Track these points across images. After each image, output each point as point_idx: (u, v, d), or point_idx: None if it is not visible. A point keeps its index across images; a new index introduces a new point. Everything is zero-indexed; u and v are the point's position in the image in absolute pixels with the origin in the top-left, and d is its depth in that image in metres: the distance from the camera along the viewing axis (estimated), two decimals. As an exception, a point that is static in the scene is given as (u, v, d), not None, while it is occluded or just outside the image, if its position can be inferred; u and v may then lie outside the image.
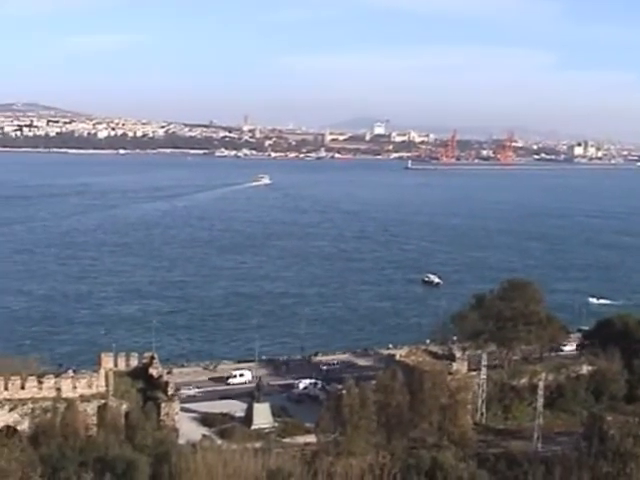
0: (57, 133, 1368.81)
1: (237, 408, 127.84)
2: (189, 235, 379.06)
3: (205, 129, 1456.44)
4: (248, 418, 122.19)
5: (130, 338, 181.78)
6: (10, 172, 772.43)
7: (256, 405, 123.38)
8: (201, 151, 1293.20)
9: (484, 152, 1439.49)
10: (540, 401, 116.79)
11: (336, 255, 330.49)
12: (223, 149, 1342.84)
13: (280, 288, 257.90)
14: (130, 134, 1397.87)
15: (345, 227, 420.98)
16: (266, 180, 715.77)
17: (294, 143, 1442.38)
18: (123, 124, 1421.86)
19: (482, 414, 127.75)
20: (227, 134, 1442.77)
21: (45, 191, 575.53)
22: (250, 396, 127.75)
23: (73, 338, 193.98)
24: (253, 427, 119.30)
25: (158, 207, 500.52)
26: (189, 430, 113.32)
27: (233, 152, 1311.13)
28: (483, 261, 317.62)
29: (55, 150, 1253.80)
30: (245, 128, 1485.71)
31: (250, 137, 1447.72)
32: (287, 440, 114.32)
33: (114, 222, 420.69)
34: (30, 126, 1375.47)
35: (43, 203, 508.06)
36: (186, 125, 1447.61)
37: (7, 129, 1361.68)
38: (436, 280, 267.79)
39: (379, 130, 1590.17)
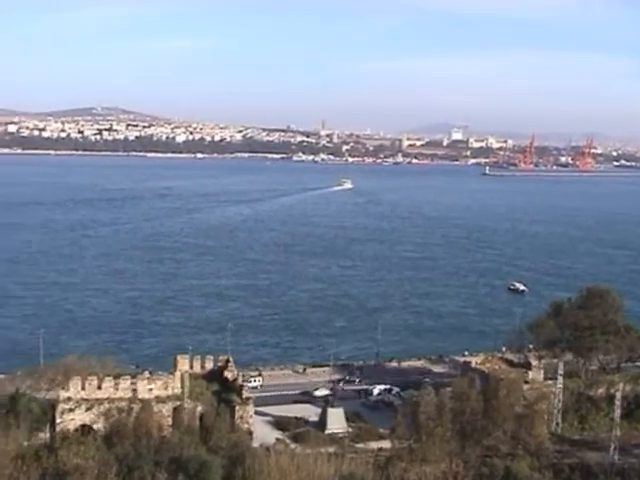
0: (136, 137, 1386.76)
1: (311, 412, 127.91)
2: (271, 239, 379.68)
3: (283, 134, 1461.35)
4: (322, 423, 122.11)
5: (207, 341, 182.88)
6: (92, 176, 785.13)
7: (330, 410, 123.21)
8: (278, 156, 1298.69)
9: (562, 159, 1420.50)
10: (617, 412, 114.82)
11: (419, 261, 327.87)
12: (301, 154, 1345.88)
13: (362, 293, 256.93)
14: (208, 138, 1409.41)
15: (427, 233, 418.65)
16: (348, 185, 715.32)
17: (371, 148, 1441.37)
18: (201, 128, 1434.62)
19: (557, 424, 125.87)
20: (305, 139, 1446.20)
21: (128, 194, 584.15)
22: (324, 401, 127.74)
23: (151, 340, 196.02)
24: (327, 432, 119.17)
25: (240, 211, 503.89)
26: (263, 433, 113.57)
27: (311, 157, 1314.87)
28: (568, 269, 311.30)
29: (134, 154, 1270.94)
30: (323, 133, 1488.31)
31: (328, 142, 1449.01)
32: (360, 445, 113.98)
33: (196, 226, 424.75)
34: (110, 130, 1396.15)
35: (126, 206, 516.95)
36: (264, 130, 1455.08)
37: (87, 133, 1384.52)
38: (521, 287, 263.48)
39: (457, 136, 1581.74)
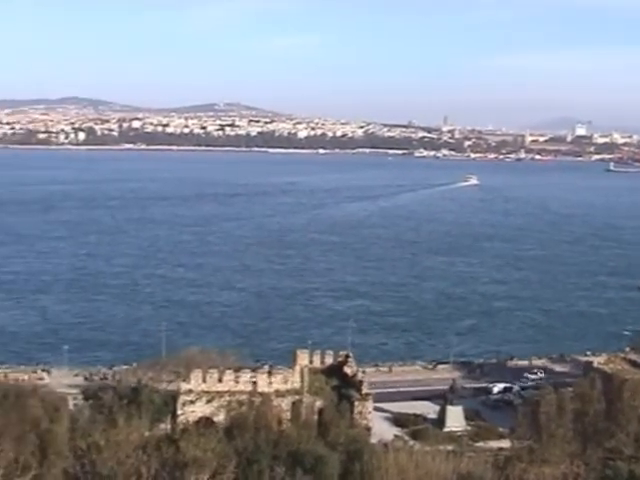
0: (258, 133, 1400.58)
1: (430, 410, 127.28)
2: (395, 236, 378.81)
3: (404, 129, 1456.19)
4: (441, 420, 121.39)
5: (327, 336, 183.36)
6: (215, 171, 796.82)
7: (449, 407, 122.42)
8: (400, 151, 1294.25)
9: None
10: None
11: (546, 258, 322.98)
12: (422, 149, 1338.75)
13: (488, 291, 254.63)
14: (330, 134, 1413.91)
15: (553, 230, 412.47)
16: (474, 181, 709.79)
17: (493, 144, 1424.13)
18: (323, 124, 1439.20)
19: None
20: (426, 134, 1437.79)
21: (251, 190, 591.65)
22: (443, 398, 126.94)
23: (272, 334, 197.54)
24: (445, 429, 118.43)
25: (363, 207, 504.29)
26: (381, 430, 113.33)
27: (432, 152, 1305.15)
28: None
29: (256, 149, 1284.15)
30: (444, 129, 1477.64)
31: (449, 138, 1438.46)
32: (479, 444, 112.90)
33: (321, 221, 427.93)
34: (232, 126, 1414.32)
35: (251, 202, 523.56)
36: (385, 125, 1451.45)
37: (210, 129, 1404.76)
38: None
39: (580, 131, 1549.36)
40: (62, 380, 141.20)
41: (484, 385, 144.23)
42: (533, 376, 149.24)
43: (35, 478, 67.09)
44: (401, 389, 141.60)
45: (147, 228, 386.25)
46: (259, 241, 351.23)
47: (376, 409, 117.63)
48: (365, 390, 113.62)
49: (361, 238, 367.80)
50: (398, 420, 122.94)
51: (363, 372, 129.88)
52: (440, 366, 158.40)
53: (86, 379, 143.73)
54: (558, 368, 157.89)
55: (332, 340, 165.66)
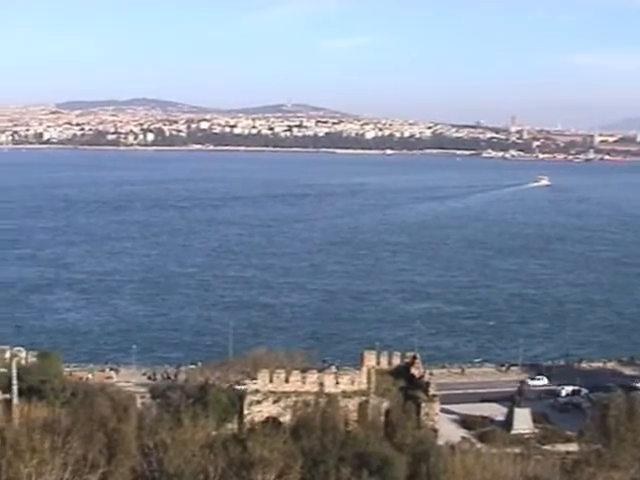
0: (326, 133, 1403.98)
1: (497, 412, 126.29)
2: (465, 237, 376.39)
3: (472, 130, 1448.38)
4: (508, 422, 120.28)
5: (395, 337, 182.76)
6: (283, 172, 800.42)
7: (517, 410, 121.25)
8: (467, 152, 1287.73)
9: None
10: None
11: (619, 260, 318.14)
12: (490, 150, 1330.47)
13: (559, 292, 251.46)
14: (397, 134, 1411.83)
15: (627, 231, 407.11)
16: (545, 181, 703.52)
17: (562, 144, 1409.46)
18: (390, 124, 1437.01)
19: None
20: (494, 135, 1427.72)
21: (320, 190, 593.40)
22: (511, 400, 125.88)
23: (340, 335, 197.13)
24: (513, 432, 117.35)
25: (433, 208, 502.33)
26: (448, 431, 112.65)
27: (500, 153, 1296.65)
28: None
29: (323, 150, 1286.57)
30: (512, 129, 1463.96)
31: (517, 138, 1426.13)
32: (547, 447, 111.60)
33: (390, 222, 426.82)
34: (299, 126, 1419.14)
35: (320, 202, 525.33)
36: (453, 126, 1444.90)
37: (277, 129, 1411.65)
38: None
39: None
40: (130, 379, 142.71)
41: (552, 387, 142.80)
42: (535, 382, 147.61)
43: (103, 476, 67.67)
44: (468, 391, 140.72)
45: (217, 229, 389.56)
46: (329, 242, 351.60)
47: (443, 411, 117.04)
48: (432, 392, 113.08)
49: (431, 239, 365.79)
50: (465, 422, 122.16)
51: (430, 374, 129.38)
52: (512, 368, 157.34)
53: (149, 378, 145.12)
54: (628, 371, 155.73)
55: (400, 341, 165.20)
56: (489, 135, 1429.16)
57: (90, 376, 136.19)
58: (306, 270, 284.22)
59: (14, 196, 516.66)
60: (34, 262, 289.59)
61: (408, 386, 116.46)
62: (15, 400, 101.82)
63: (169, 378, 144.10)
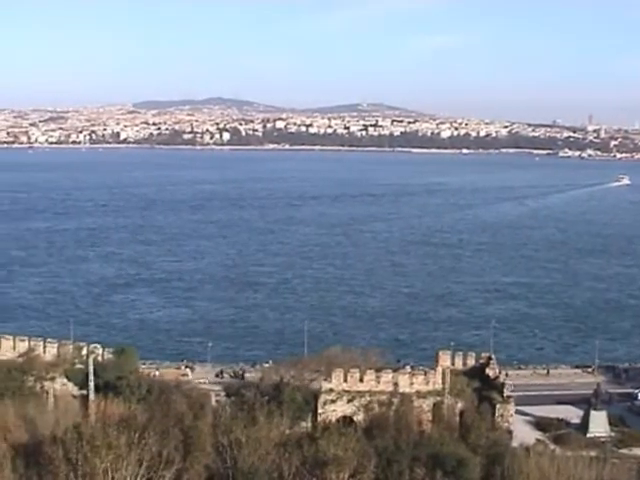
0: (401, 133, 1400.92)
1: (573, 414, 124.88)
2: (545, 237, 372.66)
3: (548, 129, 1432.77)
4: (584, 425, 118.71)
5: (471, 337, 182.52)
6: (360, 171, 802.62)
7: (593, 412, 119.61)
8: (544, 151, 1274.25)
9: None
10: None
11: None
12: (567, 149, 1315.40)
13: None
14: (473, 134, 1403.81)
15: None
16: (626, 181, 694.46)
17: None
18: (466, 124, 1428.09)
19: None
20: (571, 134, 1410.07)
21: (398, 190, 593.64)
22: (587, 403, 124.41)
23: (416, 334, 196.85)
24: (588, 435, 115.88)
25: (512, 207, 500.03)
26: (523, 433, 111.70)
27: (577, 152, 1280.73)
28: None
29: (399, 149, 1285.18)
30: (589, 128, 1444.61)
31: (594, 137, 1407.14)
32: (624, 451, 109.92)
33: (470, 222, 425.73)
34: (375, 126, 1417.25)
35: (398, 202, 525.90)
36: (529, 125, 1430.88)
37: (353, 129, 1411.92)
38: None
39: None
40: (205, 376, 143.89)
41: (629, 391, 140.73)
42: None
43: (178, 472, 68.51)
44: (544, 392, 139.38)
45: (296, 228, 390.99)
46: (409, 241, 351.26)
47: (517, 412, 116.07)
48: (507, 393, 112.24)
49: (511, 239, 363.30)
50: (540, 424, 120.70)
51: (506, 374, 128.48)
52: (588, 369, 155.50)
53: (216, 376, 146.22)
54: None
55: (476, 342, 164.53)
56: (566, 134, 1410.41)
57: (157, 373, 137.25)
58: (386, 270, 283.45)
59: (93, 195, 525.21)
60: (115, 260, 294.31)
61: (483, 387, 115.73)
62: (92, 396, 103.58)
63: (236, 376, 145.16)
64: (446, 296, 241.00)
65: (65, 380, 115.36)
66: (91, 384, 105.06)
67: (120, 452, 64.39)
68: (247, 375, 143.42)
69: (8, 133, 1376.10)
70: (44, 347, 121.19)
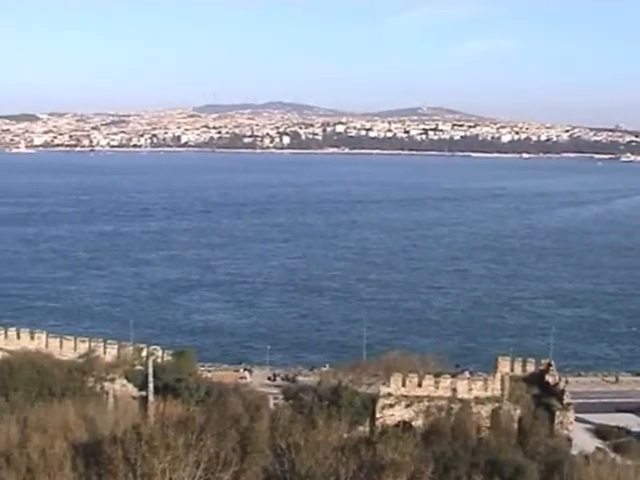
0: (461, 137, 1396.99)
1: (634, 423, 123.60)
2: (611, 242, 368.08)
3: (610, 133, 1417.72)
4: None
5: (530, 343, 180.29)
6: (420, 175, 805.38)
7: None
8: (606, 156, 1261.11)
9: None
10: None
11: None
12: (629, 154, 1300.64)
13: None
14: (534, 138, 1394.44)
15: None
16: None
17: None
18: (527, 128, 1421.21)
19: None
20: (633, 138, 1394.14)
21: (460, 194, 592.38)
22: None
23: (475, 339, 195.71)
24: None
25: (575, 212, 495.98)
26: (582, 441, 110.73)
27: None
28: None
29: (459, 153, 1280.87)
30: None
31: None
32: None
33: (533, 226, 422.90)
34: (435, 130, 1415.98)
35: (460, 206, 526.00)
36: (591, 129, 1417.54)
37: (413, 132, 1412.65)
38: None
39: None
40: (263, 380, 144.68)
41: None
42: None
43: (236, 474, 68.81)
44: (604, 400, 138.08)
45: (359, 232, 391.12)
46: (472, 246, 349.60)
47: (577, 420, 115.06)
48: (567, 400, 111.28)
49: (575, 244, 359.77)
50: (600, 432, 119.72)
51: (566, 381, 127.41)
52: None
53: (269, 379, 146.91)
54: None
55: (536, 348, 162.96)
56: (628, 139, 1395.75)
57: (209, 374, 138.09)
58: (449, 274, 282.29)
59: (156, 199, 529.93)
60: (179, 263, 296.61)
61: (542, 394, 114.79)
62: (151, 397, 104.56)
63: (288, 380, 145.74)
64: (508, 302, 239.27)
65: (125, 381, 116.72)
66: (150, 385, 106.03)
67: (178, 453, 64.85)
68: (299, 378, 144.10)
69: (71, 137, 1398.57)
70: (104, 348, 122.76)
